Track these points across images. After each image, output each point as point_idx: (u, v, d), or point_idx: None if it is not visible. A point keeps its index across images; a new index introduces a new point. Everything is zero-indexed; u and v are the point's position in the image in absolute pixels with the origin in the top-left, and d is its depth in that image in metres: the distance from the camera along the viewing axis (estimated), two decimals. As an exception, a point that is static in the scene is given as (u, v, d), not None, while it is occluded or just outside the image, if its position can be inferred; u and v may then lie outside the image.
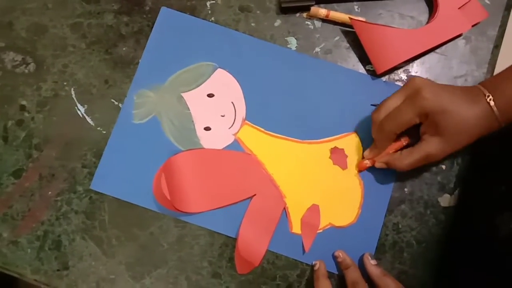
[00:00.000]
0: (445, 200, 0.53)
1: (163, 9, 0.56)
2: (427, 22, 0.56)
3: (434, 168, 0.54)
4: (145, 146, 0.53)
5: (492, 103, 0.46)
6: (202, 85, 0.55)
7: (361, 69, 0.56)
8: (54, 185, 0.53)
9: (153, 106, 0.54)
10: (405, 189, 0.53)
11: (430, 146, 0.47)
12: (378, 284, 0.48)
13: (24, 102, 0.55)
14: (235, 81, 0.55)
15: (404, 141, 0.50)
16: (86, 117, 0.54)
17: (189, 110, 0.54)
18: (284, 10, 0.56)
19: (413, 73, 0.55)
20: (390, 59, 0.53)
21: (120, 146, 0.53)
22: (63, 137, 0.54)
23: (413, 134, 0.49)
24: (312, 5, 0.55)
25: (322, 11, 0.55)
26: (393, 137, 0.49)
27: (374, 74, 0.55)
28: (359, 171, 0.53)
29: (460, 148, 0.47)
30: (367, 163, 0.52)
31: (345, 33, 0.56)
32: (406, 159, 0.49)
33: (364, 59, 0.55)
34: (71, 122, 0.54)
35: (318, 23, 0.56)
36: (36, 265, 0.52)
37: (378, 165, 0.51)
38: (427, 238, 0.52)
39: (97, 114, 0.54)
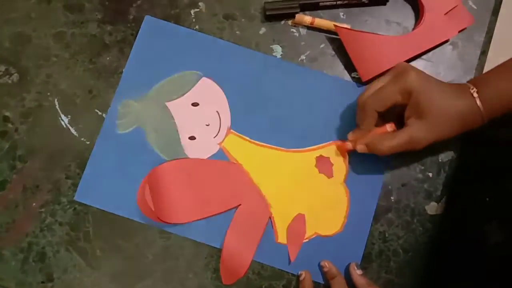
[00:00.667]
0: (432, 208, 0.53)
1: (147, 18, 0.56)
2: (413, 28, 0.56)
3: (420, 176, 0.53)
4: (130, 157, 0.53)
5: (476, 95, 0.46)
6: (187, 94, 0.54)
7: (346, 76, 0.55)
8: (38, 197, 0.52)
9: (137, 116, 0.54)
10: (392, 198, 0.53)
11: (413, 129, 0.47)
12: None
13: (7, 113, 0.54)
14: (220, 89, 0.54)
15: (389, 128, 0.49)
16: (70, 127, 0.54)
17: (173, 119, 0.54)
18: (269, 18, 0.56)
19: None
20: (375, 66, 0.53)
21: (104, 157, 0.53)
22: (47, 148, 0.53)
23: (400, 124, 0.49)
24: (297, 13, 0.55)
25: (307, 18, 0.55)
26: (375, 115, 0.48)
27: (359, 82, 0.54)
28: (341, 153, 0.52)
29: (442, 137, 0.47)
30: (348, 144, 0.51)
31: (331, 41, 0.56)
32: (388, 141, 0.48)
33: (349, 66, 0.55)
34: (55, 133, 0.54)
35: (303, 31, 0.56)
36: (21, 277, 0.51)
37: (359, 147, 0.50)
38: (414, 247, 0.52)
39: (81, 125, 0.54)
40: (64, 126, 0.54)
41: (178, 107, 0.54)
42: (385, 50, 0.53)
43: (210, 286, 0.51)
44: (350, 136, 0.51)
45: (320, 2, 0.55)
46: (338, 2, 0.55)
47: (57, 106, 0.54)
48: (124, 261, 0.51)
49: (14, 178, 0.53)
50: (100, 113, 0.54)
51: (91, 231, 0.52)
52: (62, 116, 0.54)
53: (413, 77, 0.46)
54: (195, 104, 0.54)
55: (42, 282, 0.51)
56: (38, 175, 0.53)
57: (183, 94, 0.54)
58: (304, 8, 0.55)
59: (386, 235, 0.52)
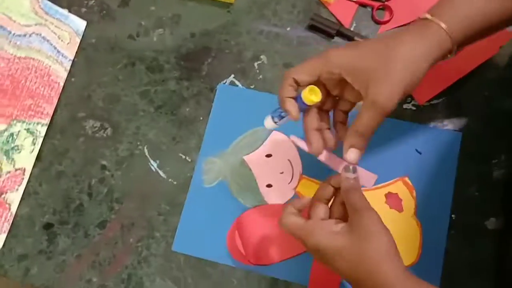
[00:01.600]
0: (492, 223, 0.57)
1: (220, 86, 0.64)
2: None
3: (477, 194, 0.58)
4: (216, 207, 0.60)
5: (428, 16, 0.42)
6: (261, 147, 0.62)
7: (400, 107, 0.61)
8: (134, 233, 0.60)
9: (219, 170, 0.61)
10: (453, 216, 0.57)
11: (372, 93, 0.41)
12: (344, 197, 0.44)
13: (104, 162, 0.63)
14: (289, 140, 0.61)
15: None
16: (159, 171, 0.62)
17: (251, 171, 0.61)
18: (311, 27, 0.64)
19: (452, 102, 0.60)
20: (430, 89, 0.59)
21: (195, 209, 0.60)
22: (139, 190, 0.61)
23: None
24: (334, 36, 0.63)
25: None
26: (291, 82, 0.44)
27: (415, 107, 0.60)
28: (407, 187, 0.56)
29: (415, 81, 0.41)
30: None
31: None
32: (359, 126, 0.43)
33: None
34: (146, 176, 0.62)
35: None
36: (123, 306, 0.58)
37: (351, 155, 0.44)
38: (478, 263, 0.55)
39: (168, 168, 0.62)
40: (154, 170, 0.62)
41: (254, 160, 0.61)
42: (436, 72, 0.57)
43: (291, 306, 0.56)
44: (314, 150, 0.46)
45: (355, 37, 0.63)
46: None
47: (146, 153, 0.63)
48: (212, 286, 0.57)
49: (112, 218, 0.61)
50: (184, 156, 0.62)
51: (182, 260, 0.58)
52: (151, 161, 0.62)
53: (333, 51, 0.43)
54: (268, 156, 0.61)
55: (142, 309, 0.58)
56: (133, 214, 0.61)
57: (257, 148, 0.62)
58: (339, 34, 0.64)
59: (450, 253, 0.56)
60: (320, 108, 0.47)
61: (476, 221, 0.57)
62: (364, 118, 0.42)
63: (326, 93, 0.46)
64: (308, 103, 0.44)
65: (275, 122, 0.48)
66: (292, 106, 0.44)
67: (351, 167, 0.44)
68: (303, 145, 0.47)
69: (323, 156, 0.47)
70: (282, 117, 0.47)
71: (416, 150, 0.60)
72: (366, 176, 0.48)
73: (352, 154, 0.44)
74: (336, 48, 0.44)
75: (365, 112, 0.42)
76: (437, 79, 0.60)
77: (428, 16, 0.42)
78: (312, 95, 0.43)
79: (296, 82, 0.44)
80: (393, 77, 0.40)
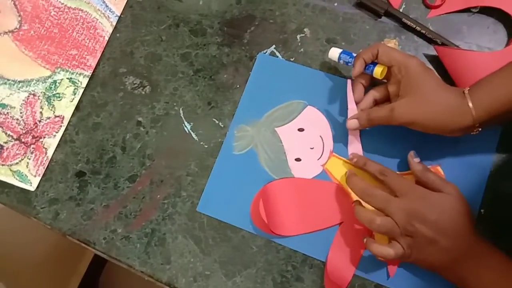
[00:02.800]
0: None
1: (260, 55, 0.64)
2: (506, 45, 0.59)
3: (509, 190, 0.56)
4: (244, 174, 0.60)
5: (466, 92, 0.49)
6: (294, 120, 0.62)
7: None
8: (162, 190, 0.61)
9: (250, 139, 0.62)
10: (482, 211, 0.56)
11: (398, 103, 0.51)
12: (420, 179, 0.52)
13: (140, 119, 0.64)
14: (323, 117, 0.61)
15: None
16: (192, 133, 0.63)
17: (281, 143, 0.61)
18: (359, 5, 0.64)
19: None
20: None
21: (222, 174, 0.61)
22: (171, 149, 0.63)
23: None
24: (381, 15, 0.62)
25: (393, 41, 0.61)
26: (362, 62, 0.54)
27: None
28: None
29: (424, 120, 0.50)
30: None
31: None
32: (375, 112, 0.54)
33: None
34: (179, 137, 0.63)
35: (399, 55, 0.62)
36: (144, 258, 0.60)
37: (351, 123, 0.56)
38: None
39: (201, 131, 0.63)
40: (187, 131, 0.63)
41: (286, 132, 0.61)
42: (485, 66, 0.55)
43: (307, 280, 0.56)
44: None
45: (403, 18, 0.61)
46: (417, 28, 0.61)
47: (181, 115, 0.64)
48: (232, 250, 0.58)
49: (143, 173, 0.62)
50: (217, 121, 0.63)
51: (205, 222, 0.60)
52: (186, 123, 0.63)
53: (416, 60, 0.51)
54: (301, 130, 0.61)
55: (161, 264, 0.59)
56: (163, 171, 0.62)
57: (290, 121, 0.62)
58: (387, 15, 0.62)
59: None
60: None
61: (506, 218, 0.56)
62: (380, 111, 0.53)
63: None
64: (376, 76, 0.55)
65: (338, 60, 0.59)
66: (360, 67, 0.55)
67: (413, 152, 0.55)
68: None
69: (353, 128, 0.57)
70: (346, 63, 0.58)
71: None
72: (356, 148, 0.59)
73: (352, 124, 0.56)
74: (417, 61, 0.52)
75: (383, 108, 0.53)
76: (484, 73, 0.58)
77: (466, 91, 0.50)
78: (381, 73, 0.55)
79: (376, 56, 0.54)
80: (422, 111, 0.50)
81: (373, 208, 0.52)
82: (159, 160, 0.62)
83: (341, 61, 0.58)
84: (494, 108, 0.48)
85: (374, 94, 0.57)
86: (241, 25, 0.66)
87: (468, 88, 0.50)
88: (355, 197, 0.56)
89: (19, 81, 0.61)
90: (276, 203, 0.58)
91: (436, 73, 0.53)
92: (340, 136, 0.60)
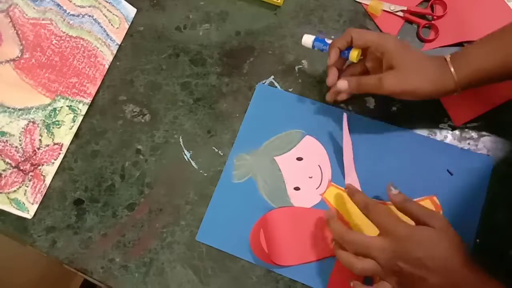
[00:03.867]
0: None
1: (259, 85, 0.66)
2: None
3: (504, 220, 0.57)
4: (243, 203, 0.61)
5: (448, 59, 0.52)
6: (292, 149, 0.63)
7: (437, 125, 0.61)
8: (161, 218, 0.61)
9: (249, 167, 0.62)
10: (477, 240, 0.57)
11: (385, 74, 0.53)
12: (402, 211, 0.50)
13: (139, 147, 0.65)
14: (322, 146, 0.62)
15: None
16: (191, 161, 0.63)
17: (280, 171, 0.62)
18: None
19: (488, 126, 0.61)
20: (468, 112, 0.59)
21: (222, 203, 0.61)
22: (171, 177, 0.63)
23: None
24: None
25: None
26: (343, 43, 0.56)
27: (452, 128, 0.61)
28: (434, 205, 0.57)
29: (411, 89, 0.52)
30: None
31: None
32: (364, 79, 0.55)
33: (440, 115, 0.61)
34: (178, 165, 0.63)
35: (395, 87, 0.64)
36: (142, 288, 0.59)
37: (341, 83, 0.57)
38: None
39: (200, 159, 0.63)
40: (187, 159, 0.63)
41: (285, 161, 0.62)
42: (477, 95, 0.58)
43: (306, 309, 0.57)
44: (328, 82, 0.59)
45: None
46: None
47: (181, 143, 0.64)
48: (231, 280, 0.58)
49: (142, 201, 0.62)
50: (216, 150, 0.63)
51: (204, 251, 0.60)
52: (185, 151, 0.64)
53: (391, 37, 0.54)
54: (299, 159, 0.62)
55: (160, 294, 0.59)
56: (162, 200, 0.62)
57: (289, 150, 0.63)
58: None
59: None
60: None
61: (501, 248, 0.57)
62: (369, 78, 0.55)
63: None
64: (352, 60, 0.57)
65: (313, 47, 0.60)
66: (335, 55, 0.57)
67: (391, 185, 0.52)
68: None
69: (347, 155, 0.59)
70: (321, 50, 0.60)
71: (448, 171, 0.60)
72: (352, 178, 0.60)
73: (342, 84, 0.57)
74: (393, 39, 0.54)
75: (372, 77, 0.55)
76: (476, 103, 0.60)
77: (447, 58, 0.53)
78: (356, 56, 0.57)
79: (350, 42, 0.56)
80: (409, 81, 0.53)
81: None
82: (158, 189, 0.63)
83: (315, 48, 0.60)
84: (475, 73, 0.52)
85: (351, 71, 0.60)
86: (240, 56, 0.67)
87: (450, 55, 0.53)
88: (354, 226, 0.57)
89: (19, 109, 0.61)
90: (276, 232, 0.58)
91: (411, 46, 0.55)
92: (338, 165, 0.61)
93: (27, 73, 0.62)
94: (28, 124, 0.62)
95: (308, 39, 0.60)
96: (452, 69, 0.52)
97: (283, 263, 0.57)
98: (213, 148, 0.64)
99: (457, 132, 0.61)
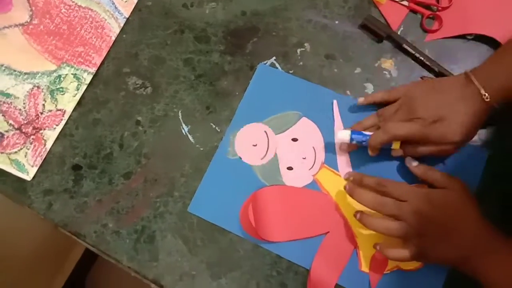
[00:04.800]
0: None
1: (260, 66, 0.66)
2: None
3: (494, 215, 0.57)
4: (236, 179, 0.62)
5: (483, 92, 0.51)
6: (288, 130, 0.63)
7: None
8: (155, 189, 0.63)
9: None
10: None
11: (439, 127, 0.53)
12: (425, 180, 0.54)
13: (139, 118, 0.66)
14: (317, 129, 0.63)
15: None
16: (189, 135, 0.64)
17: (275, 151, 0.63)
18: (362, 27, 0.66)
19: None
20: None
21: (215, 177, 0.62)
22: (167, 150, 0.64)
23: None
24: (383, 39, 0.64)
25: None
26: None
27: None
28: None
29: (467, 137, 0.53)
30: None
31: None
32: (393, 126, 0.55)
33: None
34: (176, 138, 0.65)
35: (394, 72, 0.64)
36: (132, 254, 0.61)
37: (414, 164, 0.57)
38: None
39: (198, 134, 0.64)
40: (184, 133, 0.65)
41: (280, 141, 0.63)
42: None
43: (291, 286, 0.58)
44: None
45: (403, 44, 0.63)
46: (416, 55, 0.63)
47: (180, 117, 0.66)
48: (219, 252, 0.59)
49: (138, 171, 0.64)
50: (214, 126, 0.65)
51: (195, 222, 0.61)
52: (183, 125, 0.65)
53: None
54: (294, 140, 0.63)
55: (149, 261, 0.60)
56: (158, 171, 0.63)
57: (285, 130, 0.63)
58: (389, 38, 0.65)
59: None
60: None
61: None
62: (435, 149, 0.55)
63: None
64: (394, 147, 0.57)
65: (351, 141, 0.58)
66: (377, 151, 0.58)
67: (408, 158, 0.57)
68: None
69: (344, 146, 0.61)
70: (360, 143, 0.58)
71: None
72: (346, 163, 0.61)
73: (415, 166, 0.57)
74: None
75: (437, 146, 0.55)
76: None
77: (473, 78, 0.52)
78: (397, 145, 0.57)
79: (394, 138, 0.56)
80: (456, 123, 0.53)
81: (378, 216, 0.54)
82: (154, 160, 0.64)
83: (354, 142, 0.58)
84: (503, 85, 0.51)
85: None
86: (244, 35, 0.68)
87: (470, 70, 0.53)
88: (343, 208, 0.58)
89: (25, 73, 0.62)
90: (265, 209, 0.59)
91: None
92: (332, 148, 0.62)
93: (35, 39, 0.63)
94: (33, 88, 0.63)
95: (344, 135, 0.58)
96: (482, 91, 0.51)
97: (271, 239, 0.58)
98: (211, 124, 0.65)
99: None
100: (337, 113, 0.62)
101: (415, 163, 0.56)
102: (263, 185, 0.61)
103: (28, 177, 0.63)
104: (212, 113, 0.65)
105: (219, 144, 0.64)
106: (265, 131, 0.63)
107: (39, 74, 0.64)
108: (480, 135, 0.61)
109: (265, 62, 0.67)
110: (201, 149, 0.64)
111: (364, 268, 0.57)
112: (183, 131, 0.65)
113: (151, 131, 0.65)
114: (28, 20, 0.62)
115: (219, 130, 0.64)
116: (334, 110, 0.62)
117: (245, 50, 0.68)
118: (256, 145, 0.62)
